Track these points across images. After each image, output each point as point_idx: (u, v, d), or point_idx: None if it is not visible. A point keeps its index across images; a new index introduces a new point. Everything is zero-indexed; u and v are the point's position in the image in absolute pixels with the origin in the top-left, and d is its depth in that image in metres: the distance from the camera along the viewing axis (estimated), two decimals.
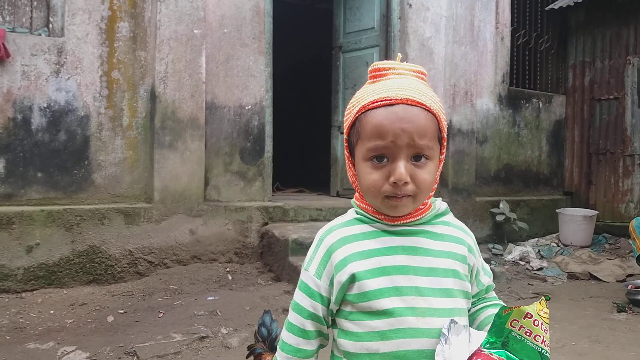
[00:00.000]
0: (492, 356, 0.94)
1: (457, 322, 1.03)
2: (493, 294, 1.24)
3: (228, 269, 4.42)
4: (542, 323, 0.95)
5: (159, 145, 4.32)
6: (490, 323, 1.05)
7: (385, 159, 1.02)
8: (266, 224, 4.73)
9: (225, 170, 4.72)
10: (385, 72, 1.09)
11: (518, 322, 0.96)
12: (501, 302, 1.21)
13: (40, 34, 4.11)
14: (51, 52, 4.04)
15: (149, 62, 4.38)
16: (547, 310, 0.96)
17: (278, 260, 4.36)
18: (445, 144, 1.10)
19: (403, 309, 1.03)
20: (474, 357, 0.95)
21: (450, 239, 1.12)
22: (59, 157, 4.07)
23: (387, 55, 5.93)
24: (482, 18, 6.32)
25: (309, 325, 1.09)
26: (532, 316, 0.95)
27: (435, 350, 1.01)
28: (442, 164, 1.11)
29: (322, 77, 7.83)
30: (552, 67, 7.38)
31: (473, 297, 1.17)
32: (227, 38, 4.72)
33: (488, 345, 0.97)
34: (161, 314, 3.55)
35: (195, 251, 4.39)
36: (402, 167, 1.00)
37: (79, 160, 4.15)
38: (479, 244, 4.44)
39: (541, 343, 0.95)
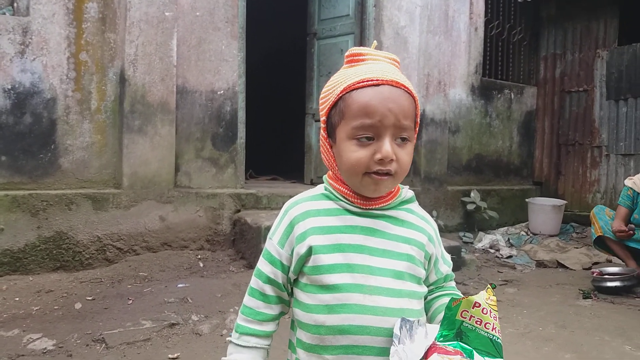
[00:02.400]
0: (447, 348, 0.96)
1: (409, 320, 1.03)
2: (452, 283, 1.28)
3: (199, 256, 4.37)
4: (490, 310, 0.97)
5: (128, 129, 4.22)
6: (441, 313, 1.09)
7: (371, 139, 1.05)
8: (238, 211, 4.69)
9: (196, 156, 4.65)
10: (363, 57, 1.13)
11: (468, 312, 0.98)
12: (458, 292, 1.24)
13: (4, 13, 3.96)
14: (16, 32, 3.90)
15: (118, 44, 4.27)
16: (494, 298, 0.98)
17: (250, 248, 4.32)
18: (417, 129, 1.14)
19: (351, 285, 1.07)
20: (430, 352, 0.96)
21: (411, 226, 1.16)
22: (24, 140, 3.95)
23: (361, 42, 5.91)
24: (457, 8, 6.35)
25: (269, 290, 1.15)
26: (480, 305, 0.97)
27: (379, 328, 1.05)
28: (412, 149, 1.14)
29: (297, 64, 7.77)
30: (524, 59, 7.47)
31: (431, 284, 1.23)
32: (199, 21, 4.63)
33: (442, 339, 0.99)
34: (130, 301, 3.49)
35: (166, 238, 4.33)
36: (388, 145, 1.04)
37: (45, 144, 4.03)
38: (449, 232, 4.50)
39: (492, 330, 0.97)
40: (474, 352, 0.96)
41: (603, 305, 4.04)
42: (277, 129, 9.93)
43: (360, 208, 1.12)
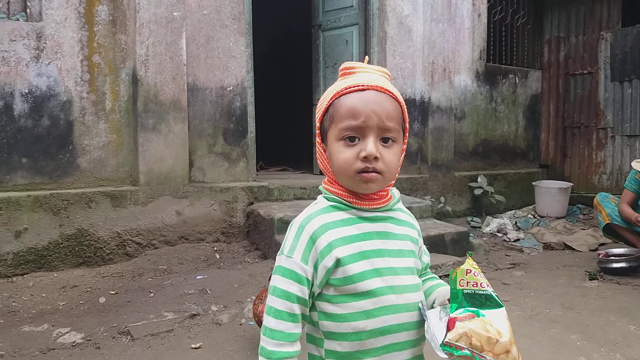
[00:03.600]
0: (460, 316, 1.10)
1: (423, 303, 1.20)
2: (429, 270, 1.38)
3: (215, 248, 4.51)
4: (478, 272, 1.14)
5: (142, 128, 4.35)
6: (434, 292, 1.26)
7: (357, 139, 1.13)
8: (251, 203, 4.82)
9: (209, 152, 4.78)
10: (354, 70, 1.21)
11: (464, 279, 1.13)
12: (436, 276, 1.36)
13: (18, 19, 4.08)
14: (30, 37, 4.02)
15: (129, 45, 4.38)
16: (475, 263, 1.15)
17: (264, 239, 4.46)
18: (407, 134, 1.23)
19: (385, 288, 1.14)
20: (451, 323, 1.09)
21: (406, 224, 1.26)
22: (43, 142, 4.09)
23: (366, 33, 5.99)
24: None
25: (298, 309, 1.13)
26: (471, 270, 1.13)
27: (412, 322, 1.17)
28: (404, 153, 1.23)
29: (303, 55, 7.85)
30: (528, 43, 7.50)
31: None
32: (206, 19, 4.73)
33: (453, 311, 1.13)
34: (152, 294, 3.64)
35: (183, 232, 4.48)
36: (372, 144, 1.11)
37: (64, 145, 4.17)
38: (457, 217, 4.63)
39: (487, 287, 1.13)
40: (479, 310, 1.11)
41: (609, 286, 4.14)
42: (285, 119, 10.02)
43: (367, 210, 1.19)
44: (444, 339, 1.06)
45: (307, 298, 1.15)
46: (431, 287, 1.29)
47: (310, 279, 1.14)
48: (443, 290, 1.25)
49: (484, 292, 1.12)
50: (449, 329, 1.08)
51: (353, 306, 1.13)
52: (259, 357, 1.15)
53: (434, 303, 1.24)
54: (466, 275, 1.13)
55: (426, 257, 1.34)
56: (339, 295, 1.14)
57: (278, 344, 1.12)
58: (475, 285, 1.12)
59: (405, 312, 1.15)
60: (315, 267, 1.14)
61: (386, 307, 1.13)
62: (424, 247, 1.35)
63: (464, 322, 1.07)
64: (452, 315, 1.11)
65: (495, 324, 1.07)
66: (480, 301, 1.12)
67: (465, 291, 1.12)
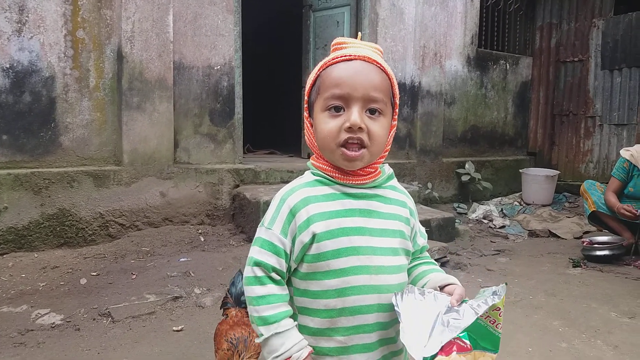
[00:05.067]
0: (463, 344, 1.04)
1: (398, 293, 1.12)
2: (426, 253, 1.34)
3: (200, 231, 4.47)
4: (502, 312, 1.08)
5: (127, 106, 4.26)
6: (426, 277, 1.22)
7: (342, 110, 1.11)
8: (237, 186, 4.77)
9: (194, 132, 4.71)
10: (346, 44, 1.18)
11: (487, 313, 1.07)
12: (433, 261, 1.32)
13: None
14: (12, 10, 3.90)
15: (115, 21, 4.27)
16: (504, 298, 1.08)
17: (250, 222, 4.42)
18: (397, 110, 1.19)
19: (358, 268, 1.12)
20: (450, 346, 1.03)
21: (397, 202, 1.22)
22: (24, 119, 4.00)
23: (357, 14, 5.91)
24: None
25: (277, 277, 1.14)
26: (499, 309, 1.07)
27: (383, 304, 1.13)
28: (394, 130, 1.19)
29: (295, 36, 7.75)
30: (520, 29, 7.46)
31: (410, 255, 1.28)
32: None
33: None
34: (134, 276, 3.60)
35: (167, 213, 4.42)
36: (356, 113, 1.10)
37: (46, 123, 4.08)
38: (444, 203, 4.62)
39: (499, 328, 1.08)
40: (477, 342, 1.07)
41: (592, 273, 4.17)
42: (274, 101, 9.93)
43: (352, 186, 1.16)
44: (433, 357, 1.01)
45: (284, 270, 1.14)
46: (424, 271, 1.26)
47: (288, 252, 1.14)
48: (437, 277, 1.22)
49: (494, 331, 1.08)
50: (443, 351, 1.02)
51: (325, 284, 1.12)
52: (256, 328, 1.12)
53: (423, 287, 1.20)
54: (492, 311, 1.07)
55: (422, 239, 1.31)
56: (311, 273, 1.13)
57: (272, 306, 1.12)
58: (492, 323, 1.08)
59: (378, 294, 1.13)
60: (293, 241, 1.13)
61: (358, 287, 1.12)
62: (421, 229, 1.31)
63: (461, 355, 1.02)
64: (456, 338, 1.05)
65: None
66: (482, 336, 1.07)
67: (479, 321, 1.07)
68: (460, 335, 1.04)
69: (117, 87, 4.31)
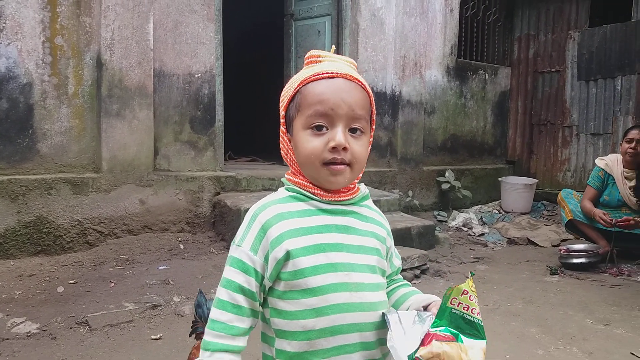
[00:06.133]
0: (440, 334, 1.05)
1: (393, 310, 1.12)
2: (400, 275, 1.33)
3: (180, 239, 4.44)
4: (475, 297, 1.08)
5: (106, 114, 4.24)
6: (408, 300, 1.20)
7: (325, 128, 1.08)
8: (218, 193, 4.75)
9: (175, 140, 4.69)
10: (321, 58, 1.16)
11: (457, 299, 1.07)
12: (408, 283, 1.31)
13: None
14: None
15: (94, 28, 4.25)
16: (474, 285, 1.09)
17: (230, 230, 4.41)
18: (373, 126, 1.18)
19: (336, 285, 1.08)
20: (428, 339, 1.04)
21: (373, 221, 1.20)
22: (1, 126, 3.94)
23: (338, 24, 5.95)
24: None
25: (243, 302, 1.08)
26: (467, 292, 1.07)
27: (366, 323, 1.10)
28: (370, 146, 1.18)
29: (276, 44, 7.77)
30: (498, 40, 7.58)
31: (386, 277, 1.25)
32: (175, 4, 4.62)
33: (434, 326, 1.08)
34: (112, 284, 3.56)
35: (146, 221, 4.39)
36: (340, 133, 1.07)
37: (23, 130, 4.03)
38: (424, 211, 4.66)
39: (477, 315, 1.08)
40: (460, 335, 1.05)
41: (569, 281, 4.23)
42: (256, 108, 9.93)
43: (328, 203, 1.14)
44: (415, 352, 1.01)
45: (255, 291, 1.09)
46: (406, 293, 1.24)
47: (259, 270, 1.09)
48: (418, 297, 1.20)
49: (472, 318, 1.07)
50: (423, 344, 1.03)
51: (303, 303, 1.07)
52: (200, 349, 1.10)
53: (408, 310, 1.18)
54: (461, 295, 1.07)
55: (397, 261, 1.29)
56: (288, 291, 1.08)
57: (217, 335, 1.07)
58: (466, 309, 1.07)
59: (359, 312, 1.09)
60: (266, 258, 1.08)
61: (338, 305, 1.08)
62: (395, 251, 1.29)
63: (442, 342, 1.02)
64: (432, 330, 1.06)
65: (470, 354, 1.03)
66: (464, 326, 1.07)
67: (453, 311, 1.07)
68: (438, 330, 1.05)
69: (96, 94, 4.28)
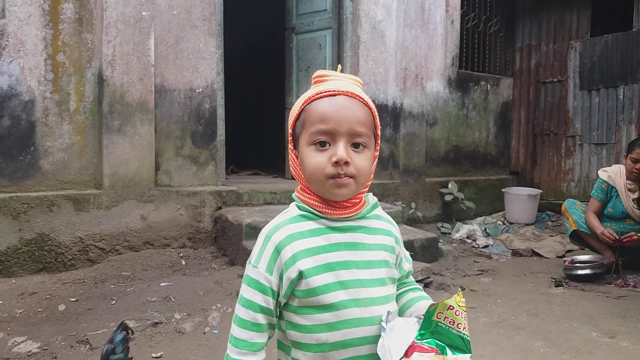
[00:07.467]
0: (425, 346, 1.07)
1: (391, 313, 1.15)
2: (412, 278, 1.38)
3: (181, 254, 4.43)
4: (461, 312, 1.09)
5: (107, 130, 4.25)
6: (414, 305, 1.24)
7: (328, 144, 1.13)
8: (220, 208, 4.75)
9: (176, 155, 4.69)
10: (327, 77, 1.21)
11: (443, 314, 1.09)
12: (418, 286, 1.35)
13: None
14: None
15: (95, 45, 4.28)
16: (464, 300, 1.10)
17: (232, 245, 4.39)
18: (379, 141, 1.22)
19: (348, 301, 1.14)
20: (410, 350, 1.06)
21: (382, 232, 1.25)
22: (3, 143, 3.96)
23: (339, 37, 5.97)
24: (433, 1, 6.41)
25: (262, 319, 1.15)
26: (453, 308, 1.09)
27: (375, 336, 1.13)
28: (376, 159, 1.23)
29: (277, 58, 7.80)
30: (500, 50, 7.59)
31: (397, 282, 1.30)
32: (176, 20, 4.64)
33: (419, 337, 1.10)
34: (114, 301, 3.54)
35: (148, 237, 4.38)
36: (342, 148, 1.11)
37: (25, 147, 4.04)
38: (428, 223, 4.63)
39: (463, 329, 1.09)
40: (446, 348, 1.07)
41: (574, 292, 4.19)
42: (258, 122, 9.95)
43: (338, 221, 1.18)
44: None
45: (273, 308, 1.16)
46: (412, 299, 1.29)
47: (275, 289, 1.15)
48: (423, 304, 1.24)
49: (458, 333, 1.09)
50: (406, 355, 1.05)
51: (316, 318, 1.13)
52: None
53: (412, 316, 1.21)
54: (447, 310, 1.09)
55: (407, 265, 1.34)
56: (302, 307, 1.14)
57: (240, 352, 1.15)
58: (452, 323, 1.09)
59: (369, 326, 1.15)
60: (281, 278, 1.14)
61: (349, 321, 1.13)
62: (406, 254, 1.34)
63: (424, 355, 1.04)
64: (417, 342, 1.08)
65: None
66: (450, 340, 1.09)
67: (439, 324, 1.09)
68: (424, 342, 1.07)
69: (97, 111, 4.30)
